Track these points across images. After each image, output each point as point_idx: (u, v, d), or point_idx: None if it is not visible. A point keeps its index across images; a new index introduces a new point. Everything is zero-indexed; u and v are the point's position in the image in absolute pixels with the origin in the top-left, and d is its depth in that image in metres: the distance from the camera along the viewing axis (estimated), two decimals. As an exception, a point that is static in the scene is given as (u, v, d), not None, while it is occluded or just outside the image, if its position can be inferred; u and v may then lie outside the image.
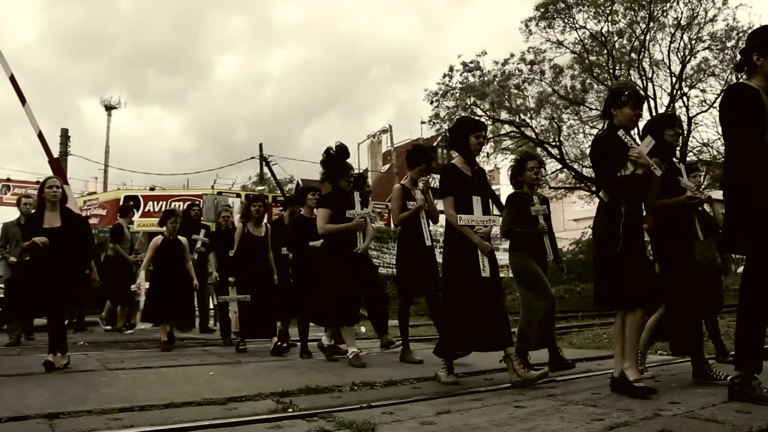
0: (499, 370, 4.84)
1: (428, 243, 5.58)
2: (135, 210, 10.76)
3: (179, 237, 7.76)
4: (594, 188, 27.02)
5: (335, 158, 5.74)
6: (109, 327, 9.88)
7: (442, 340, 4.62)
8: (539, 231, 5.17)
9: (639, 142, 3.97)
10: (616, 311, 4.01)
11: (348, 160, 5.89)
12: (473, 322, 4.28)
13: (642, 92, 4.23)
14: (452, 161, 4.71)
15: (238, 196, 24.20)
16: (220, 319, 8.42)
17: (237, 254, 7.00)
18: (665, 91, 25.14)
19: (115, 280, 9.54)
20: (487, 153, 26.12)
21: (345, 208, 5.60)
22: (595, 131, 25.35)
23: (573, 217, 34.22)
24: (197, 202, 11.46)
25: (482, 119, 25.86)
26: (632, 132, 4.12)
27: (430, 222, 5.70)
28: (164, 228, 7.78)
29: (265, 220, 7.21)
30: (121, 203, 22.88)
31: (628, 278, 3.78)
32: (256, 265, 6.92)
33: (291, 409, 3.57)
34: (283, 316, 7.18)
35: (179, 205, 22.85)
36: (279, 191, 27.09)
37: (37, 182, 22.05)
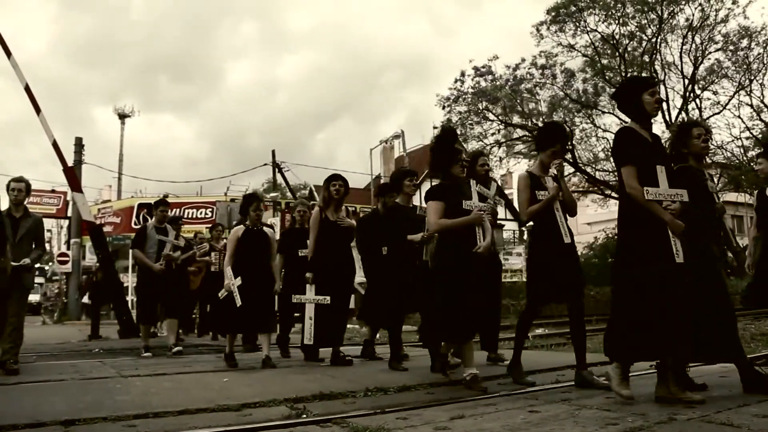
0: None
1: (567, 240, 4.62)
2: (162, 207, 8.50)
3: (265, 228, 6.41)
4: (607, 192, 26.99)
5: (442, 142, 4.99)
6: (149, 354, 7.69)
7: (615, 342, 3.84)
8: (719, 210, 4.31)
9: None
10: None
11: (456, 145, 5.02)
12: (668, 321, 3.59)
13: None
14: (627, 125, 4.04)
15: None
16: (280, 332, 7.22)
17: (316, 245, 6.02)
18: (678, 93, 25.04)
19: (144, 292, 7.89)
20: (500, 157, 26.16)
21: (461, 199, 4.74)
22: (608, 135, 25.33)
23: (586, 221, 34.05)
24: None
25: (494, 124, 26.10)
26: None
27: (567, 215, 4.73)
28: (246, 217, 6.36)
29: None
30: (135, 211, 23.17)
31: None
32: (337, 257, 5.99)
33: (305, 415, 3.59)
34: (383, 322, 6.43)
35: (192, 213, 23.11)
36: (292, 197, 27.22)
37: (53, 191, 22.48)
